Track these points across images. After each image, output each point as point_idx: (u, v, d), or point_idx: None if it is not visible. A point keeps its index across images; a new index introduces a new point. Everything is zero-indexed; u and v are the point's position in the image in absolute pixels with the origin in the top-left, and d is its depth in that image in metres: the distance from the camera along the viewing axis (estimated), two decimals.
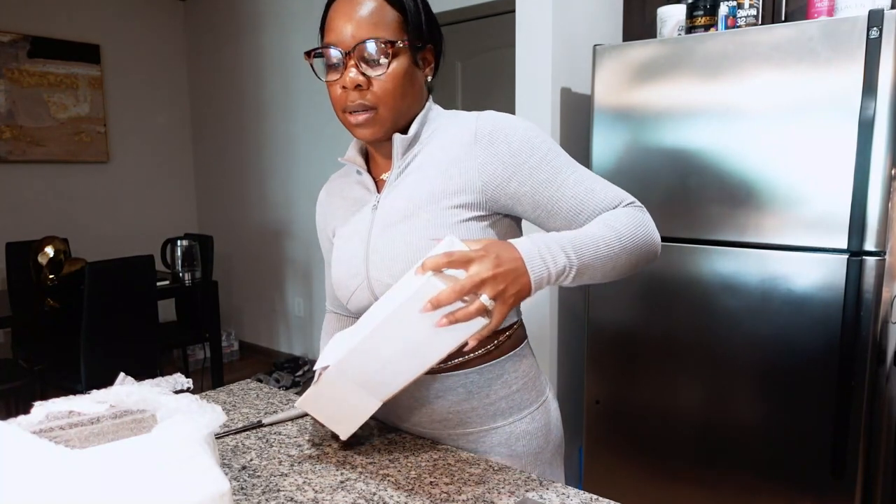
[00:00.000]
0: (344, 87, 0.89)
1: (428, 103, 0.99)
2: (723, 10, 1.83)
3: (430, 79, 0.97)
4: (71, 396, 0.81)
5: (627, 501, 2.01)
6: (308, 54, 0.91)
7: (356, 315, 1.08)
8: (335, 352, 0.85)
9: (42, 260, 3.09)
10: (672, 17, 1.97)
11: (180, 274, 3.35)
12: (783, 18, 2.01)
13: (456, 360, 0.95)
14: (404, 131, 0.96)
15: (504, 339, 0.97)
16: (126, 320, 2.78)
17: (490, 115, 0.93)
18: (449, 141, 0.93)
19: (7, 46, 3.81)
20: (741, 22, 1.80)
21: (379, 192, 0.99)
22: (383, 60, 0.88)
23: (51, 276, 3.09)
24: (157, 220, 4.65)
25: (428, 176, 0.92)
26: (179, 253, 3.36)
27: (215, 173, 4.72)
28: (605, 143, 1.95)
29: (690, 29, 1.89)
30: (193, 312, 3.58)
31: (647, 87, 1.85)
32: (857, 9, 1.63)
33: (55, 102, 4.03)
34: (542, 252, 0.79)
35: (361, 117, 0.91)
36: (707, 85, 1.76)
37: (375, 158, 1.01)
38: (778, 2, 2.03)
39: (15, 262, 3.31)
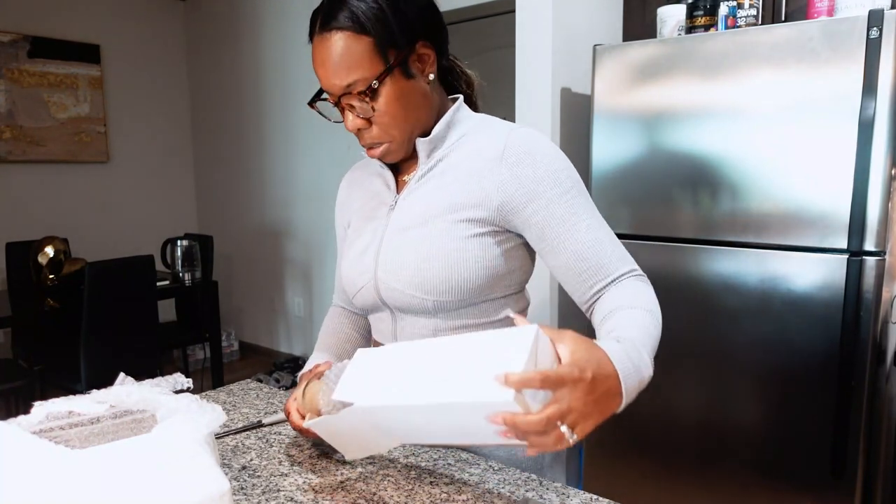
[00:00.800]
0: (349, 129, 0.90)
1: (457, 103, 0.96)
2: (723, 10, 1.83)
3: (431, 77, 0.91)
4: (71, 396, 0.81)
5: (627, 501, 2.01)
6: (311, 105, 0.93)
7: (362, 312, 1.08)
8: (360, 384, 0.75)
9: (42, 260, 3.09)
10: (672, 17, 1.97)
11: (180, 274, 3.35)
12: (783, 18, 2.01)
13: None
14: (427, 134, 0.94)
15: None
16: (126, 320, 2.77)
17: (523, 134, 0.89)
18: (476, 150, 0.91)
19: (7, 46, 3.81)
20: (741, 22, 1.80)
21: (398, 191, 0.98)
22: (369, 100, 0.86)
23: (51, 276, 3.09)
24: (157, 220, 4.65)
25: (448, 184, 0.91)
26: (179, 253, 3.36)
27: (215, 173, 4.72)
28: (605, 143, 1.95)
29: (690, 29, 1.89)
30: (193, 312, 3.58)
31: (647, 87, 1.85)
32: (857, 9, 1.63)
33: (55, 102, 4.03)
34: (636, 365, 0.71)
35: (377, 151, 0.92)
36: (707, 85, 1.76)
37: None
38: (778, 2, 2.03)
39: (15, 262, 3.31)
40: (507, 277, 0.93)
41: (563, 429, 0.62)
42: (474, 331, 0.93)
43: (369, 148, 0.92)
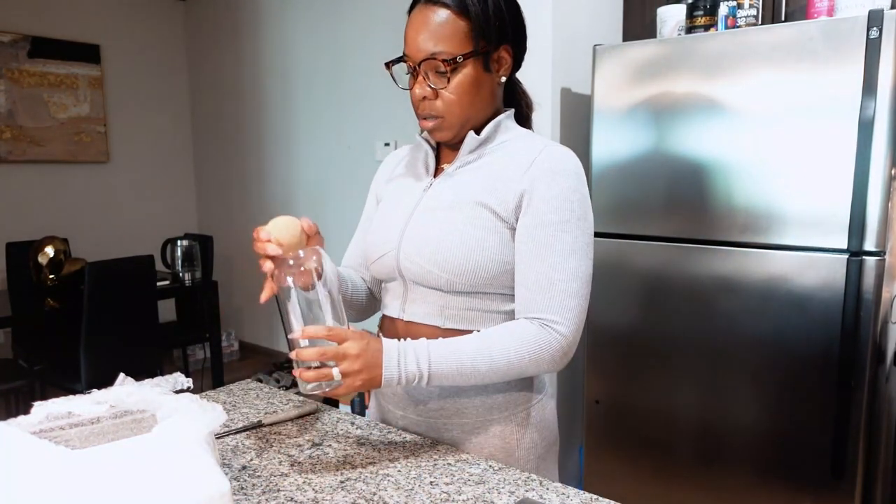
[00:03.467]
0: (415, 95, 0.97)
1: (508, 112, 1.03)
2: (723, 10, 1.83)
3: (503, 79, 1.00)
4: (71, 396, 0.81)
5: (627, 501, 2.01)
6: (387, 66, 1.00)
7: (378, 280, 1.11)
8: None
9: (42, 260, 3.09)
10: (672, 17, 1.97)
11: (180, 274, 3.35)
12: (783, 18, 2.01)
13: None
14: (478, 131, 1.01)
15: None
16: (126, 320, 2.77)
17: (554, 152, 0.96)
18: (510, 158, 0.98)
19: (7, 46, 3.81)
20: (741, 22, 1.80)
21: (436, 177, 1.05)
22: (446, 75, 0.94)
23: (51, 276, 3.09)
24: (157, 220, 4.65)
25: (480, 178, 0.98)
26: (179, 253, 3.36)
27: (215, 173, 4.72)
28: (605, 143, 1.95)
29: (690, 29, 1.89)
30: (193, 312, 3.58)
31: (647, 87, 1.85)
32: (857, 9, 1.63)
33: (55, 102, 4.03)
34: (400, 358, 0.88)
35: (430, 124, 0.98)
36: (707, 85, 1.75)
37: (444, 147, 1.08)
38: (778, 2, 2.03)
39: (15, 262, 3.30)
40: None
41: (335, 370, 0.84)
42: (480, 317, 0.99)
43: (424, 118, 0.99)
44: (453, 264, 0.94)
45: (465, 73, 0.94)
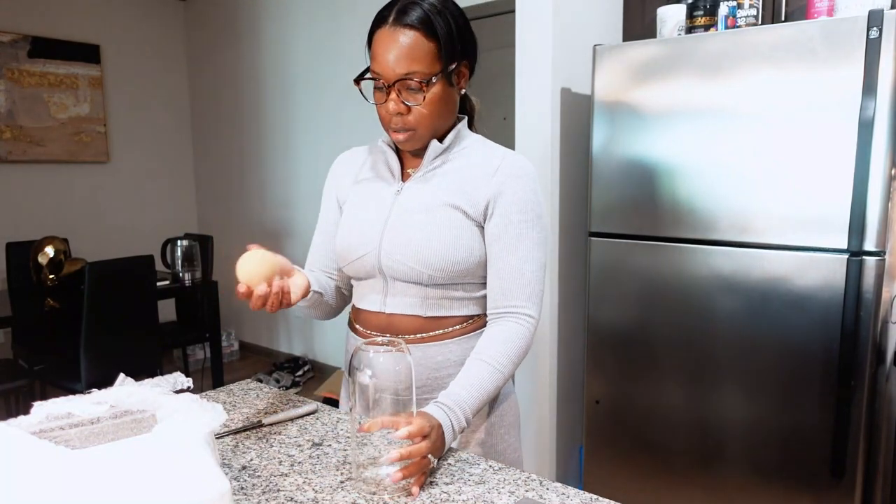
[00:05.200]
0: (388, 111, 1.03)
1: (463, 122, 1.12)
2: (723, 10, 1.83)
3: (463, 91, 1.10)
4: (71, 396, 0.80)
5: (627, 501, 2.01)
6: (357, 82, 1.06)
7: (352, 277, 1.15)
8: None
9: (42, 260, 3.09)
10: (672, 17, 1.97)
11: (180, 274, 3.35)
12: (783, 18, 2.01)
13: (436, 332, 1.08)
14: (441, 139, 1.10)
15: (477, 319, 1.11)
16: (126, 320, 2.77)
17: (516, 160, 1.08)
18: (474, 164, 1.08)
19: (7, 46, 3.81)
20: (741, 22, 1.80)
21: (403, 180, 1.12)
22: (420, 93, 1.01)
23: (51, 276, 3.09)
24: (157, 220, 4.65)
25: (449, 183, 1.08)
26: (179, 253, 3.35)
27: (215, 173, 4.72)
28: (605, 142, 1.95)
29: (690, 29, 1.89)
30: (193, 312, 3.58)
31: (647, 87, 1.85)
32: (857, 9, 1.63)
33: (55, 102, 4.03)
34: (454, 429, 0.95)
35: (402, 136, 1.05)
36: (707, 85, 1.75)
37: (405, 153, 1.14)
38: (778, 2, 2.03)
39: (15, 262, 3.30)
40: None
41: (430, 457, 0.88)
42: (456, 303, 1.08)
43: (396, 132, 1.05)
44: (435, 262, 1.04)
45: (436, 89, 1.01)
